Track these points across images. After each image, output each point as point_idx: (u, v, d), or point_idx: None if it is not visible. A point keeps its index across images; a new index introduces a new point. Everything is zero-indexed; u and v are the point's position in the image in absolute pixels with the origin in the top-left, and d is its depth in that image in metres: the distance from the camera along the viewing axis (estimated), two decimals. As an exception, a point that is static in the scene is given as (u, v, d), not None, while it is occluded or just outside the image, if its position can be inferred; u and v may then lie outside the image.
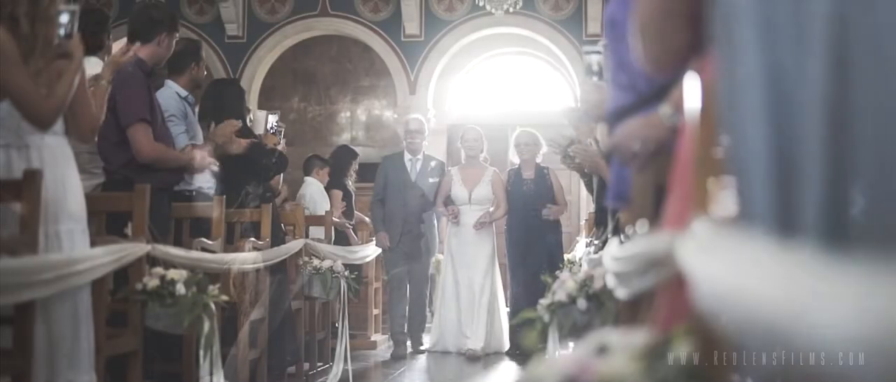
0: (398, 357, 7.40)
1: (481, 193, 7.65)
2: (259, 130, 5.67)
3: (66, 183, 3.19)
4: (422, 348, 7.69)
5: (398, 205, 7.62)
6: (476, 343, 7.32)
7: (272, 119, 5.76)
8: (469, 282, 7.48)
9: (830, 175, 0.85)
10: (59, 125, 3.16)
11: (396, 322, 7.68)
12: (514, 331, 7.15)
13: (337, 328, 6.44)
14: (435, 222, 7.93)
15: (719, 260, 0.91)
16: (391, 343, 7.75)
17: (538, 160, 7.72)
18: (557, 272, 4.51)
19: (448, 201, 7.70)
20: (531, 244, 7.48)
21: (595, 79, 3.20)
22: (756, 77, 0.97)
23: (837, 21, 0.85)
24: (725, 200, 1.12)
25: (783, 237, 0.88)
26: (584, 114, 3.29)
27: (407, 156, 7.81)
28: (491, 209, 7.65)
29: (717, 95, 1.14)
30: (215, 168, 4.93)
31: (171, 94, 4.97)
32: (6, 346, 2.86)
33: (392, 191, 7.68)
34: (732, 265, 0.85)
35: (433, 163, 7.81)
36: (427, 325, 7.94)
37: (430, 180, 7.71)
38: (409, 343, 7.70)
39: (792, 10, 0.92)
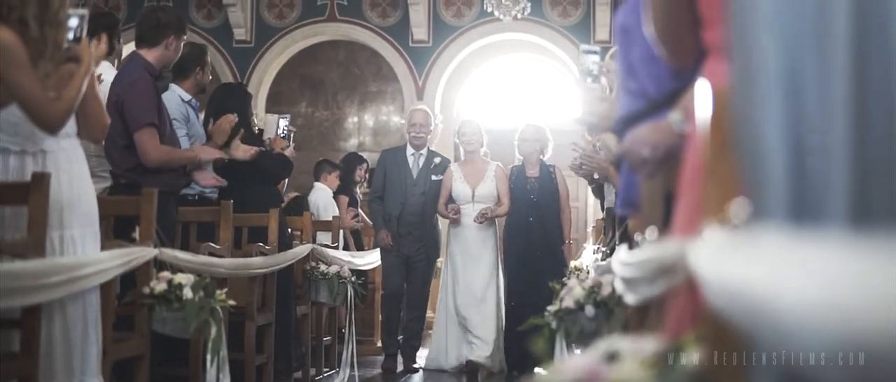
0: (388, 370, 6.89)
1: (486, 190, 6.94)
2: (270, 134, 5.66)
3: (81, 187, 3.19)
4: (414, 366, 7.01)
5: (396, 204, 6.95)
6: (479, 354, 6.67)
7: (283, 123, 5.73)
8: (470, 289, 6.79)
9: (852, 172, 0.85)
10: (71, 127, 3.16)
11: (388, 333, 7.06)
12: (509, 350, 6.69)
13: (343, 333, 6.43)
14: (438, 225, 7.23)
15: (734, 258, 0.90)
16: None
17: (544, 157, 7.06)
18: (564, 279, 4.49)
19: (450, 202, 6.97)
20: (532, 249, 6.85)
21: (589, 80, 3.17)
22: (773, 75, 0.97)
23: (857, 24, 0.84)
24: (738, 204, 1.11)
25: (800, 234, 0.87)
26: (591, 126, 3.27)
27: (409, 151, 7.08)
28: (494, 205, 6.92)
29: (730, 97, 1.13)
30: (223, 183, 4.92)
31: (173, 98, 4.97)
32: (14, 349, 2.86)
33: (390, 187, 7.00)
34: (749, 259, 0.84)
35: (437, 160, 7.09)
36: (427, 332, 7.44)
37: (434, 178, 7.00)
38: (400, 359, 7.06)
39: (813, 13, 0.91)
